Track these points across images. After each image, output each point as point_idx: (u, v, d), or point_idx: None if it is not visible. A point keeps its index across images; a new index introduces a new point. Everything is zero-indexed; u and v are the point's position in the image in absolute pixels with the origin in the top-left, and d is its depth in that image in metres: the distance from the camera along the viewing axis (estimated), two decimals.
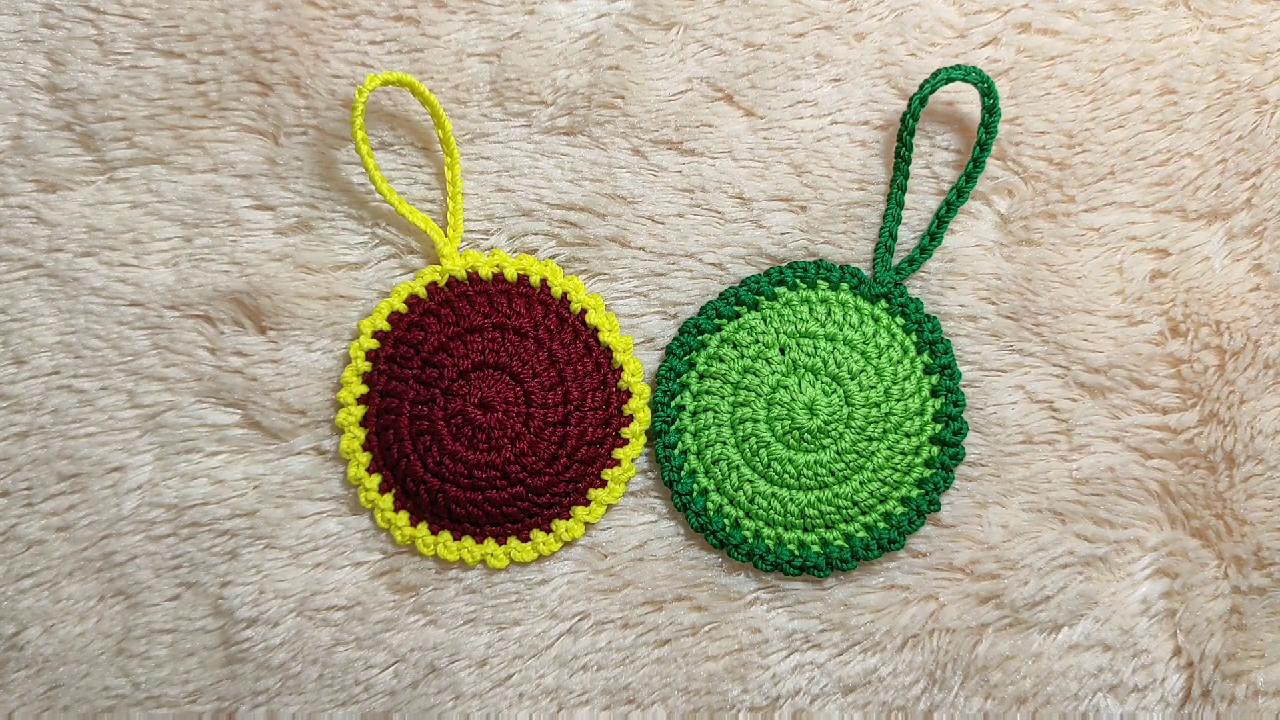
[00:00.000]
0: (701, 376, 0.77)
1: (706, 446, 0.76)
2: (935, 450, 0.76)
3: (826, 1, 0.77)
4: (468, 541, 0.77)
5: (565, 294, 0.77)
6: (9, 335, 0.78)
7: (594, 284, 0.78)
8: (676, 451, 0.77)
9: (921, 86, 0.73)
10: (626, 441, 0.77)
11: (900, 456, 0.75)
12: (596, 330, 0.77)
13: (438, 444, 0.76)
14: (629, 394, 0.77)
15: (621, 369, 0.77)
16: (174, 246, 0.78)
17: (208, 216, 0.78)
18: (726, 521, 0.76)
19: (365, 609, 0.78)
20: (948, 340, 0.76)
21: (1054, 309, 0.76)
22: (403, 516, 0.77)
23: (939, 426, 0.76)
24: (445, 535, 0.77)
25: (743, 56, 0.77)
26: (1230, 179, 0.76)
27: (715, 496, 0.76)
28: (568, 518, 0.77)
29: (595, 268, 0.78)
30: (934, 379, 0.76)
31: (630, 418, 0.77)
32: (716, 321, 0.77)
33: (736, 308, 0.77)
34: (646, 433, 0.77)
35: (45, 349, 0.78)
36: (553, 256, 0.78)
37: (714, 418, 0.76)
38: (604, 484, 0.77)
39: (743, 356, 0.76)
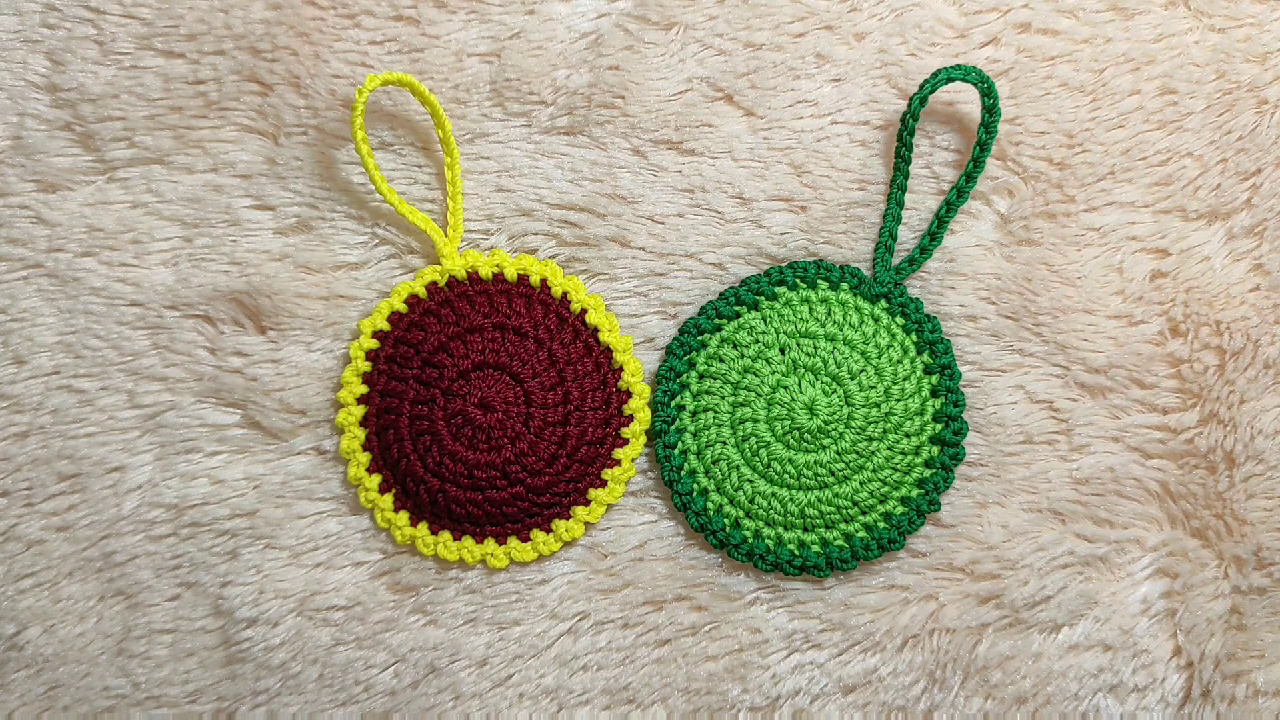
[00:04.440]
0: (702, 376, 0.77)
1: (706, 446, 0.76)
2: (935, 450, 0.76)
3: (826, 1, 0.77)
4: (468, 541, 0.77)
5: (565, 294, 0.77)
6: (9, 335, 0.78)
7: (594, 284, 0.78)
8: (676, 451, 0.77)
9: (921, 86, 0.73)
10: (626, 441, 0.77)
11: (900, 456, 0.75)
12: (596, 330, 0.77)
13: (438, 444, 0.75)
14: (629, 394, 0.77)
15: (621, 369, 0.77)
16: (174, 246, 0.78)
17: (208, 216, 0.78)
18: (726, 521, 0.76)
19: (365, 609, 0.78)
20: (948, 340, 0.76)
21: (1054, 309, 0.76)
22: (403, 516, 0.77)
23: (939, 426, 0.76)
24: (445, 535, 0.77)
25: (743, 56, 0.77)
26: (1230, 179, 0.76)
27: (715, 496, 0.76)
28: (568, 518, 0.77)
29: (595, 268, 0.78)
30: (934, 379, 0.76)
31: (630, 418, 0.77)
32: (716, 321, 0.77)
33: (736, 307, 0.77)
34: (646, 432, 0.77)
35: (45, 349, 0.78)
36: (553, 256, 0.78)
37: (714, 418, 0.76)
38: (604, 484, 0.77)
39: (743, 356, 0.76)
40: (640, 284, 0.78)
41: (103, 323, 0.78)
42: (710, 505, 0.76)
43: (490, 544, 0.77)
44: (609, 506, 0.78)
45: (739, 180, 0.77)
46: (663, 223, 0.78)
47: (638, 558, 0.78)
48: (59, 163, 0.78)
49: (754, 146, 0.77)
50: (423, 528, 0.77)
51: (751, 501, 0.76)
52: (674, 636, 0.77)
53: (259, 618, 0.78)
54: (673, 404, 0.77)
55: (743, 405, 0.76)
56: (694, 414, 0.77)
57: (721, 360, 0.76)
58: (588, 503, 0.77)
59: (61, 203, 0.78)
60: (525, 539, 0.77)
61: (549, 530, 0.77)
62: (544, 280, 0.77)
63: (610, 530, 0.78)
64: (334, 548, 0.78)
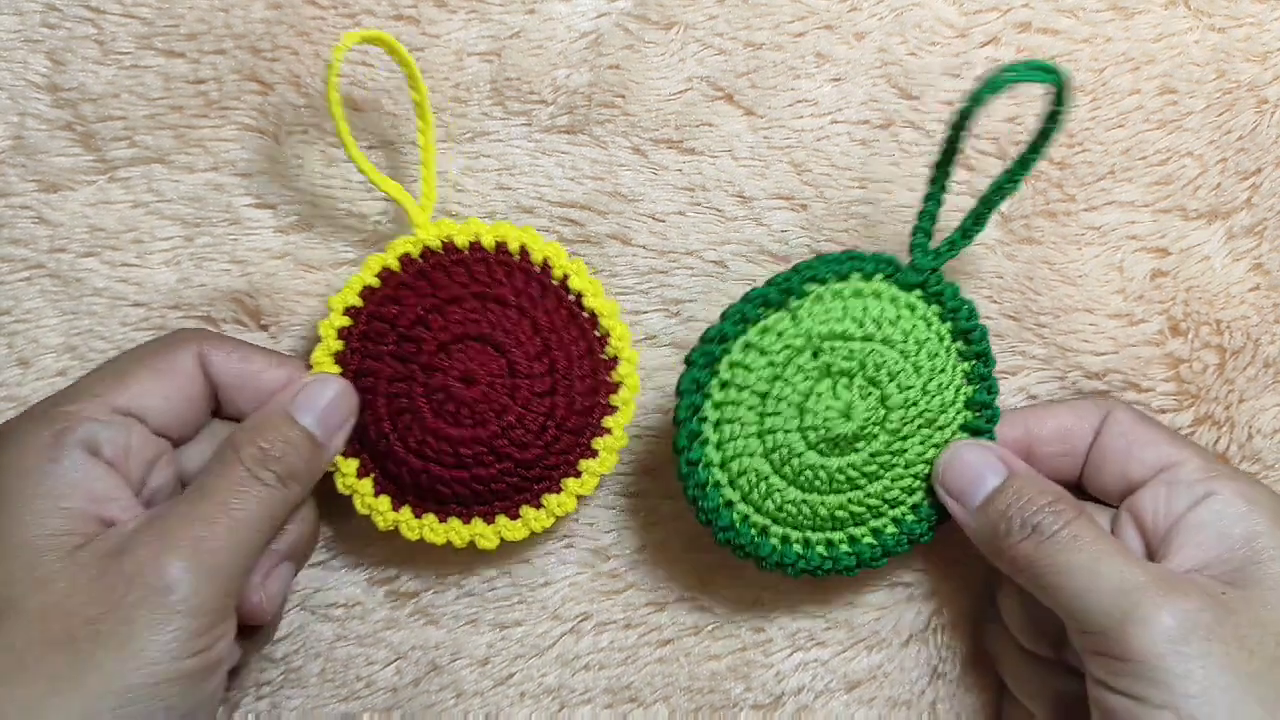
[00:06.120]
0: (725, 385, 0.70)
1: (733, 459, 0.71)
2: (965, 438, 0.72)
3: (826, 1, 0.77)
4: (454, 523, 0.73)
5: (546, 260, 0.74)
6: (14, 338, 0.78)
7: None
8: (701, 468, 0.71)
9: (989, 82, 0.63)
10: (616, 409, 0.74)
11: (933, 450, 0.72)
12: (580, 296, 0.74)
13: (418, 422, 0.72)
14: (616, 359, 0.74)
15: (608, 334, 0.74)
16: (175, 246, 0.78)
17: (209, 215, 0.78)
18: (753, 531, 0.72)
19: (365, 608, 0.78)
20: (984, 326, 0.72)
21: (1055, 308, 0.76)
22: (384, 501, 0.74)
23: (971, 414, 0.72)
24: (430, 518, 0.74)
25: (743, 56, 0.77)
26: (1230, 178, 0.76)
27: (741, 507, 0.71)
28: (558, 491, 0.74)
29: (597, 265, 0.78)
30: (968, 366, 0.72)
31: (619, 384, 0.74)
32: (741, 325, 0.70)
33: (762, 309, 0.70)
34: (625, 434, 0.75)
35: (51, 350, 0.78)
36: None
37: (740, 428, 0.70)
38: (595, 454, 0.74)
39: (771, 364, 0.70)
40: (641, 281, 0.78)
41: (106, 324, 0.78)
42: (736, 517, 0.72)
43: (478, 523, 0.74)
44: (601, 478, 0.74)
45: (739, 179, 0.77)
46: (664, 220, 0.78)
47: (640, 559, 0.78)
48: (60, 162, 0.78)
49: (754, 145, 0.77)
50: (405, 511, 0.74)
51: (780, 509, 0.71)
52: (676, 636, 0.78)
53: None
54: (695, 419, 0.71)
55: (771, 415, 0.70)
56: (716, 425, 0.71)
57: (747, 369, 0.70)
58: (579, 474, 0.74)
59: (63, 203, 0.78)
60: (514, 516, 0.74)
61: (539, 506, 0.74)
62: (523, 247, 0.74)
63: (613, 532, 0.79)
64: (335, 544, 0.79)
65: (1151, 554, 0.66)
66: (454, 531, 0.74)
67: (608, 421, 0.74)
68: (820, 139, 0.77)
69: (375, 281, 0.73)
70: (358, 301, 0.73)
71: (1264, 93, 0.76)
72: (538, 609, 0.78)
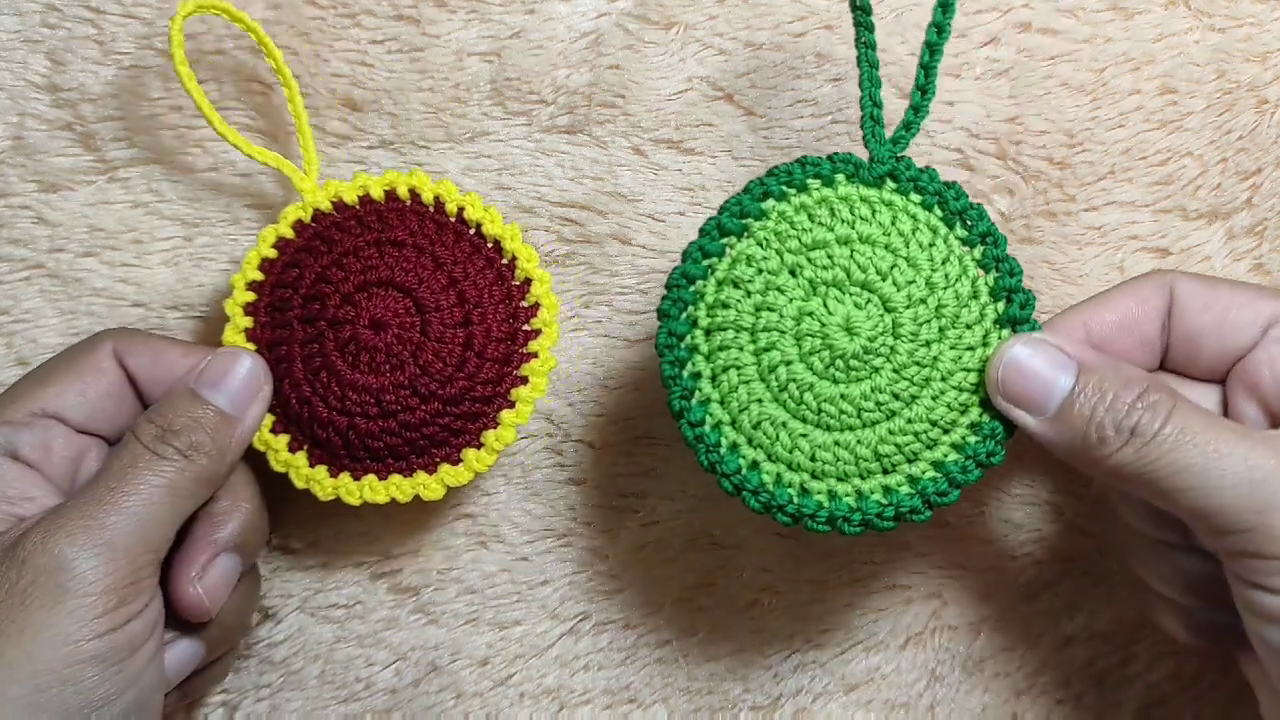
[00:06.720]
0: (709, 332, 0.64)
1: (741, 411, 0.64)
2: (1005, 333, 0.64)
3: (826, 1, 0.77)
4: (395, 479, 0.71)
5: (438, 197, 0.72)
6: (12, 337, 0.78)
7: (595, 279, 0.78)
8: (709, 429, 0.64)
9: None
10: (539, 332, 0.72)
11: (968, 353, 0.63)
12: (480, 225, 0.72)
13: (336, 378, 0.70)
14: (529, 281, 0.72)
15: (515, 258, 0.72)
16: (174, 246, 0.78)
17: (208, 215, 0.78)
18: (792, 492, 0.63)
19: (366, 607, 0.78)
20: (979, 205, 0.65)
21: (1056, 308, 0.76)
22: (320, 470, 0.71)
23: (1001, 305, 0.64)
24: (369, 478, 0.71)
25: (743, 56, 0.77)
26: (1230, 179, 0.76)
27: (769, 466, 0.64)
28: (495, 426, 0.71)
29: (597, 264, 0.78)
30: (977, 252, 0.64)
31: (536, 305, 0.72)
32: (706, 264, 0.65)
33: (724, 241, 0.65)
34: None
35: (49, 350, 0.78)
36: (553, 251, 0.78)
37: (739, 375, 0.64)
38: (525, 380, 0.71)
39: (750, 294, 0.64)
40: (641, 281, 0.78)
41: (105, 324, 0.78)
42: (766, 478, 0.64)
43: (420, 475, 0.71)
44: (535, 402, 0.72)
45: (739, 179, 0.77)
46: (663, 220, 0.78)
47: (638, 559, 0.78)
48: (60, 163, 0.78)
49: (754, 145, 0.77)
50: (344, 477, 0.71)
51: (813, 459, 0.63)
52: (675, 637, 0.78)
53: (262, 612, 0.79)
54: (685, 374, 0.65)
55: (768, 350, 0.63)
56: (714, 378, 0.64)
57: (727, 306, 0.64)
58: (513, 405, 0.71)
59: (62, 203, 0.78)
60: (456, 461, 0.71)
61: (480, 445, 0.71)
62: (413, 190, 0.73)
63: (612, 532, 0.79)
64: (335, 543, 0.79)
65: (1276, 420, 0.60)
66: (395, 488, 0.71)
67: (532, 345, 0.72)
68: (820, 139, 0.77)
69: (273, 253, 0.72)
70: (259, 275, 0.72)
71: (1264, 93, 0.76)
72: (537, 608, 0.78)
